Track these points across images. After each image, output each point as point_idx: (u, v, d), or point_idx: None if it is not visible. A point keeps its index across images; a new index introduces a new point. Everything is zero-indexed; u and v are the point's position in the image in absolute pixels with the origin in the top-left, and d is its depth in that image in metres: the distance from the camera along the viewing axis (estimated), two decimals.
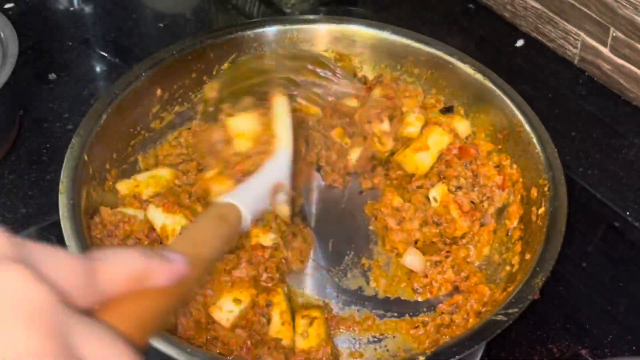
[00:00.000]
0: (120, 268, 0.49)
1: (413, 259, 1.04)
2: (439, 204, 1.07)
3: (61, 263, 0.44)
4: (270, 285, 0.99)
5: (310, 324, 0.96)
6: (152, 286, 0.51)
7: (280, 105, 1.00)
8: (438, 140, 1.11)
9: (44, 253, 0.43)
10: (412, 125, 1.13)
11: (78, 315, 0.42)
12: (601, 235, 1.14)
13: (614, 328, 1.03)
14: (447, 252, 1.05)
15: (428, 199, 1.08)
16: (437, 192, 1.07)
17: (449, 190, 1.08)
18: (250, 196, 0.77)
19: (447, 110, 1.17)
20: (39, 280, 0.40)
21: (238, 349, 0.93)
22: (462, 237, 1.07)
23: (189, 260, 0.55)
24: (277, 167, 0.87)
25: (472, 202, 1.07)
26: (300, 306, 1.01)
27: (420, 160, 1.11)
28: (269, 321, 0.96)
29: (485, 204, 1.09)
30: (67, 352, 0.40)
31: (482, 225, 1.08)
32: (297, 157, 1.00)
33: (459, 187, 1.08)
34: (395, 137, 1.14)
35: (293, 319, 0.98)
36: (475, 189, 1.09)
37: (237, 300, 0.96)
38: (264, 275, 0.98)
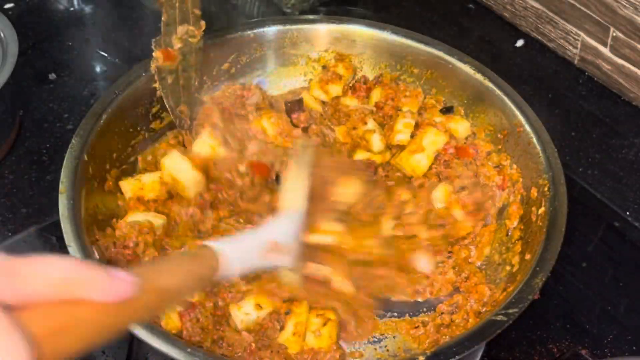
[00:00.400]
0: (47, 272, 0.48)
1: (424, 263, 1.03)
2: (442, 204, 1.07)
3: None
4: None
5: (324, 324, 0.95)
6: (86, 298, 0.50)
7: (295, 168, 0.97)
8: (433, 140, 1.11)
9: None
10: (401, 132, 1.13)
11: None
12: (601, 235, 1.14)
13: (614, 328, 1.03)
14: (450, 252, 1.05)
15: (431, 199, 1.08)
16: (440, 193, 1.07)
17: (452, 191, 1.08)
18: (236, 247, 0.75)
19: (448, 110, 1.17)
20: None
21: (242, 350, 0.93)
22: (464, 237, 1.07)
23: (139, 284, 0.54)
24: (277, 227, 0.85)
25: (477, 202, 1.08)
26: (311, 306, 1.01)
27: (416, 162, 1.11)
28: (282, 328, 0.96)
29: (489, 204, 1.09)
30: None
31: (484, 225, 1.08)
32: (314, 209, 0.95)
33: (463, 188, 1.08)
34: (387, 144, 1.14)
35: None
36: (479, 188, 1.09)
37: (258, 306, 0.96)
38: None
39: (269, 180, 1.07)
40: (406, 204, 1.06)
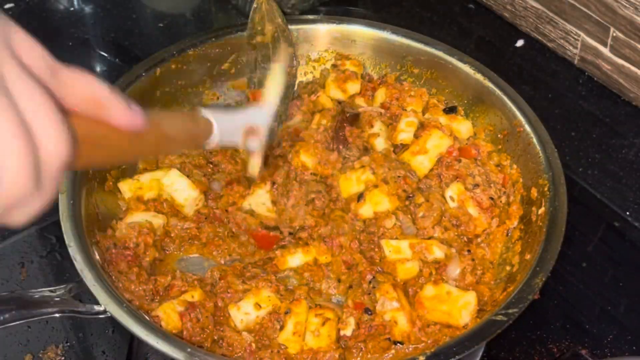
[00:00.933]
0: (83, 84, 0.52)
1: (454, 270, 1.02)
2: (456, 204, 1.06)
3: (34, 49, 0.49)
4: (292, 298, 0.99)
5: (323, 324, 0.95)
6: (107, 120, 0.56)
7: (279, 69, 1.08)
8: (437, 144, 1.11)
9: (22, 37, 0.49)
10: (404, 131, 1.13)
11: (27, 73, 0.47)
12: (601, 235, 1.14)
13: (614, 328, 1.03)
14: (468, 250, 1.04)
15: (444, 198, 1.08)
16: (453, 192, 1.07)
17: (465, 188, 1.08)
18: (224, 120, 0.84)
19: (451, 110, 1.17)
20: None
21: (242, 350, 0.93)
22: (478, 235, 1.06)
23: (147, 120, 0.61)
24: (257, 113, 0.94)
25: (491, 198, 1.07)
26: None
27: (419, 163, 1.10)
28: (282, 327, 0.95)
29: (503, 199, 1.08)
30: None
31: (500, 223, 1.07)
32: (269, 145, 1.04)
33: (476, 185, 1.08)
34: (391, 144, 1.14)
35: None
36: (492, 185, 1.09)
37: (257, 306, 0.96)
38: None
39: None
40: (419, 207, 1.06)
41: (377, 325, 0.94)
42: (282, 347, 0.94)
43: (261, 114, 0.94)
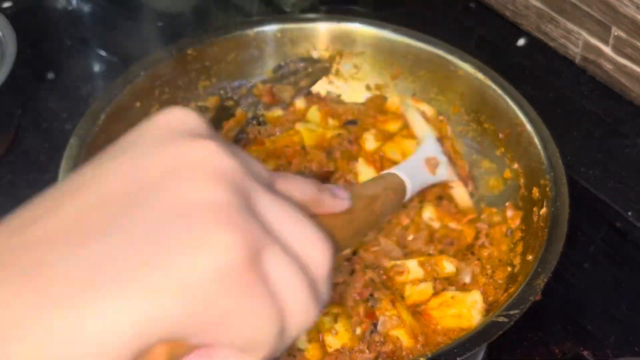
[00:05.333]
0: (298, 190, 0.50)
1: (466, 278, 1.01)
2: (438, 223, 1.04)
3: (257, 165, 0.43)
4: None
5: (336, 320, 0.93)
6: (318, 213, 0.54)
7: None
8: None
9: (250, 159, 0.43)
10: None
11: (271, 191, 0.42)
12: (603, 236, 1.14)
13: (616, 329, 1.03)
14: (472, 252, 1.03)
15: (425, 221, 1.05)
16: (430, 212, 1.05)
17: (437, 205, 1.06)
18: (411, 170, 0.84)
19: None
20: (229, 153, 0.39)
21: None
22: (473, 244, 1.05)
23: (353, 199, 0.59)
24: (427, 147, 0.96)
25: (462, 202, 1.06)
26: None
27: (407, 146, 1.10)
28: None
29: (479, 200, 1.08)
30: (250, 211, 0.39)
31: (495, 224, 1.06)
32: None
33: (440, 197, 1.06)
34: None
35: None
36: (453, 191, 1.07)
37: None
38: None
39: None
40: (407, 230, 1.03)
41: (387, 352, 0.91)
42: (300, 350, 0.91)
43: (429, 144, 0.96)
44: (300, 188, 0.51)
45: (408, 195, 0.81)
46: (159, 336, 0.36)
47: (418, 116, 1.10)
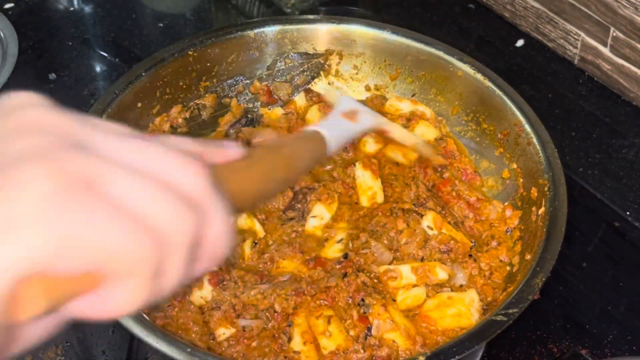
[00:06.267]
0: (189, 144, 0.53)
1: (461, 280, 1.00)
2: (436, 231, 1.03)
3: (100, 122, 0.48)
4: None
5: (329, 322, 0.93)
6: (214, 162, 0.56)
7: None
8: (424, 132, 1.14)
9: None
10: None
11: (119, 136, 0.47)
12: (601, 235, 1.14)
13: (614, 328, 1.03)
14: (470, 255, 1.02)
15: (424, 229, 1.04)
16: (429, 221, 1.04)
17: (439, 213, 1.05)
18: (329, 124, 0.86)
19: None
20: (58, 114, 0.45)
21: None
22: (472, 248, 1.05)
23: (255, 149, 0.63)
24: (342, 104, 0.96)
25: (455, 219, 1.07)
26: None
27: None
28: (289, 339, 0.93)
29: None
30: (81, 149, 0.44)
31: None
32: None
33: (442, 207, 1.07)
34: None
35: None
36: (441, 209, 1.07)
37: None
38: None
39: None
40: (401, 234, 1.02)
41: (383, 356, 0.91)
42: (296, 352, 0.92)
43: (343, 102, 0.98)
44: (190, 143, 0.54)
45: (333, 143, 0.82)
46: (18, 271, 0.39)
47: (333, 91, 1.17)
